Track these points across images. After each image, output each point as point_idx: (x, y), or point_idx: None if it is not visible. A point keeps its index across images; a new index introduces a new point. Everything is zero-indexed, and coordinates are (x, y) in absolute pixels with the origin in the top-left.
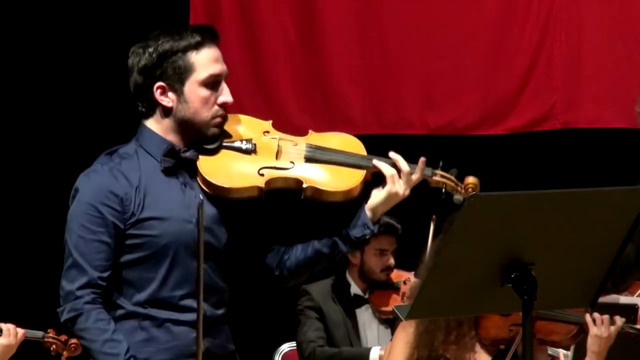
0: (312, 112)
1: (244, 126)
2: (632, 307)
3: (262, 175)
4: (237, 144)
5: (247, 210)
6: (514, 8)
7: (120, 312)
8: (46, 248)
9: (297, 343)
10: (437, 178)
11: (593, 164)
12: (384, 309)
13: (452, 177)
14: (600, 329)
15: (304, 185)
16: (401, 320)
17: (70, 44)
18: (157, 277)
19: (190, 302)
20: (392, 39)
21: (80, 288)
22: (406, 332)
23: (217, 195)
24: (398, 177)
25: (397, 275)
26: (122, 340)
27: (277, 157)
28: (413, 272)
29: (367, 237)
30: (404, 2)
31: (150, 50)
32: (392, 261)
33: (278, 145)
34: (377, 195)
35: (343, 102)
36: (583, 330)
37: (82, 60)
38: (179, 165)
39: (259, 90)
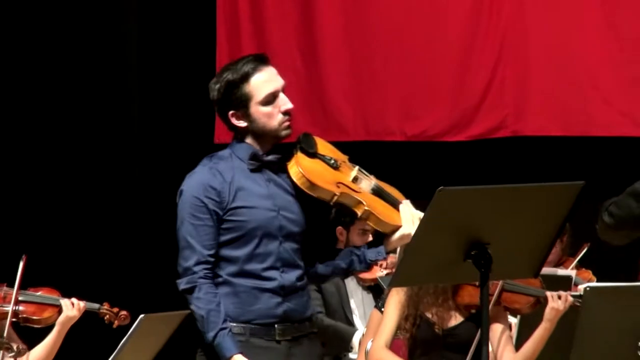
0: (313, 123)
1: (331, 151)
2: (567, 278)
3: (338, 187)
4: (327, 158)
5: (314, 207)
6: (474, 38)
7: (218, 279)
8: (117, 237)
9: None
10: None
11: (539, 165)
12: (365, 277)
13: None
14: (557, 303)
15: (365, 208)
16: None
17: (98, 57)
18: (245, 254)
19: (271, 273)
20: (378, 65)
21: (195, 264)
22: (399, 295)
23: (301, 185)
24: (412, 221)
25: None
26: (222, 312)
27: (353, 181)
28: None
29: (379, 260)
30: (388, 37)
31: (218, 86)
32: (370, 238)
33: (356, 173)
34: (396, 233)
35: (338, 114)
36: (539, 301)
37: (105, 69)
38: (263, 165)
39: None
